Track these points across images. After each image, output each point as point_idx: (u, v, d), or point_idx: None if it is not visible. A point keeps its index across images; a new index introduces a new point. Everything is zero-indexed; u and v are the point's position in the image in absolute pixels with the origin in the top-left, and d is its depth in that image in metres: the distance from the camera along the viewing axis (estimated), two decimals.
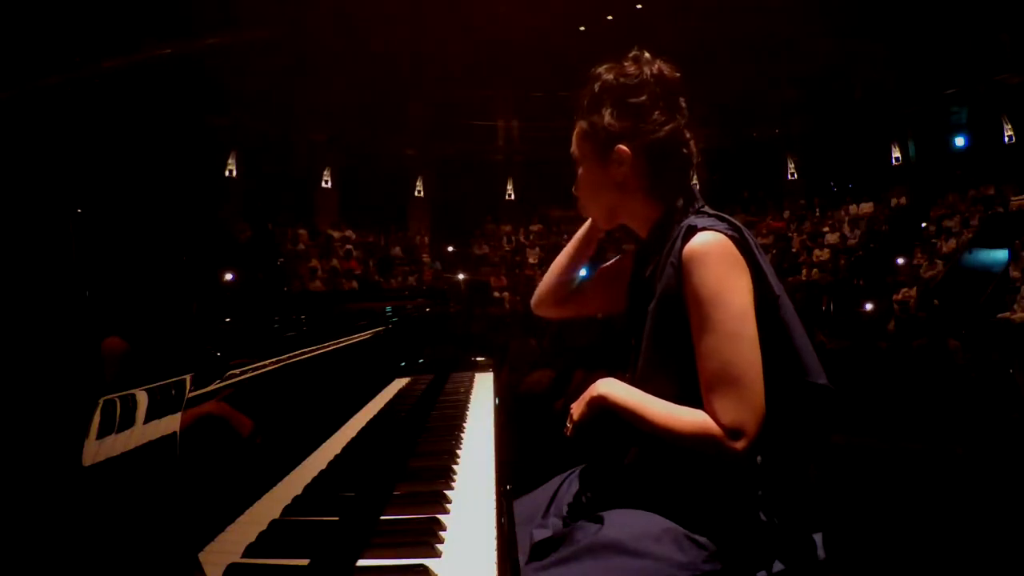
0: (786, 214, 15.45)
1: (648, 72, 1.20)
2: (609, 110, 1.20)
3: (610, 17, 14.87)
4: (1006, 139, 13.13)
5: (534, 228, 16.37)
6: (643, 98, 1.19)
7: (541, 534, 1.16)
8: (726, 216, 1.15)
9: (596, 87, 1.22)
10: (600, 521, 1.09)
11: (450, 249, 15.83)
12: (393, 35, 13.80)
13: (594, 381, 1.22)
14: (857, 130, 14.78)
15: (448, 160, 16.18)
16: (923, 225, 13.00)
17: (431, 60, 14.72)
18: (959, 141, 14.11)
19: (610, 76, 1.21)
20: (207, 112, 12.11)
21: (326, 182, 15.04)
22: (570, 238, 1.49)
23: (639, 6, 14.78)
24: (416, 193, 16.33)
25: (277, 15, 11.90)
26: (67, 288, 0.66)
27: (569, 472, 1.37)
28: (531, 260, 15.61)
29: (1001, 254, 10.22)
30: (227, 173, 13.38)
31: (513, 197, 16.80)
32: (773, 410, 1.04)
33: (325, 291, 9.40)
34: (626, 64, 1.22)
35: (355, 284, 11.71)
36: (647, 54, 1.23)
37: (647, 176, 1.21)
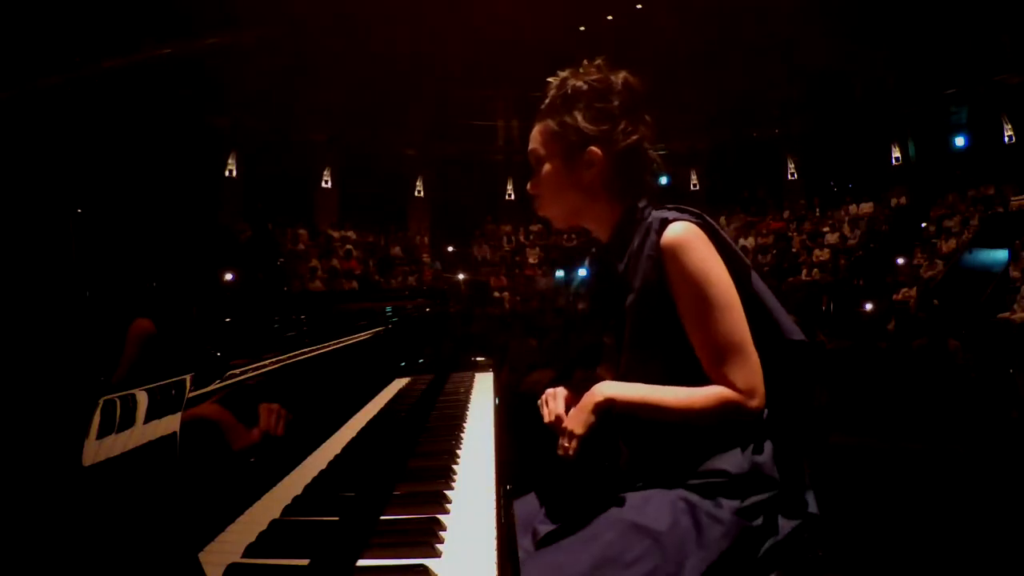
0: (786, 214, 15.45)
1: (617, 81, 1.24)
2: (581, 113, 1.23)
3: (610, 17, 14.87)
4: (1006, 139, 13.12)
5: (534, 228, 16.36)
6: (615, 104, 1.23)
7: (545, 528, 1.16)
8: (686, 207, 1.22)
9: (568, 89, 1.25)
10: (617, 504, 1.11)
11: (450, 249, 15.83)
12: (393, 35, 13.80)
13: (594, 381, 1.21)
14: (857, 130, 14.78)
15: (448, 160, 16.18)
16: (923, 225, 13.00)
17: (431, 60, 14.72)
18: (959, 141, 14.09)
19: (579, 82, 1.25)
20: (207, 112, 12.13)
21: (326, 182, 15.04)
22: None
23: (639, 6, 14.78)
24: (416, 193, 16.33)
25: (277, 15, 11.90)
26: (67, 288, 0.66)
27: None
28: (531, 260, 15.62)
29: (1001, 254, 10.22)
30: (227, 173, 13.39)
31: (513, 197, 16.78)
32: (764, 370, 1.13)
33: (325, 291, 9.40)
34: (592, 70, 1.26)
35: (355, 284, 11.71)
36: (599, 61, 1.27)
37: (614, 179, 1.24)
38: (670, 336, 1.16)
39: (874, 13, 13.43)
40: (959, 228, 12.00)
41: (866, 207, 14.38)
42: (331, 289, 10.47)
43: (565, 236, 15.92)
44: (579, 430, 1.13)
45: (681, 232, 1.15)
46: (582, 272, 14.92)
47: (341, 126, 14.56)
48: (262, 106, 12.81)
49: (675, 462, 1.15)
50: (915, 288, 10.90)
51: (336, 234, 13.66)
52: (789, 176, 15.92)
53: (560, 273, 15.15)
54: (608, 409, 1.15)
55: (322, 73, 13.41)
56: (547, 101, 1.28)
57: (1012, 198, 11.56)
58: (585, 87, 1.24)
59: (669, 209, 1.22)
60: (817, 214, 14.98)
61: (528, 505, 1.31)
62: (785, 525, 1.10)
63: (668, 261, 1.14)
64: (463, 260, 15.44)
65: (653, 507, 1.08)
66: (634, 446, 1.25)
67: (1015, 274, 9.60)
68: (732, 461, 1.12)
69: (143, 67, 9.49)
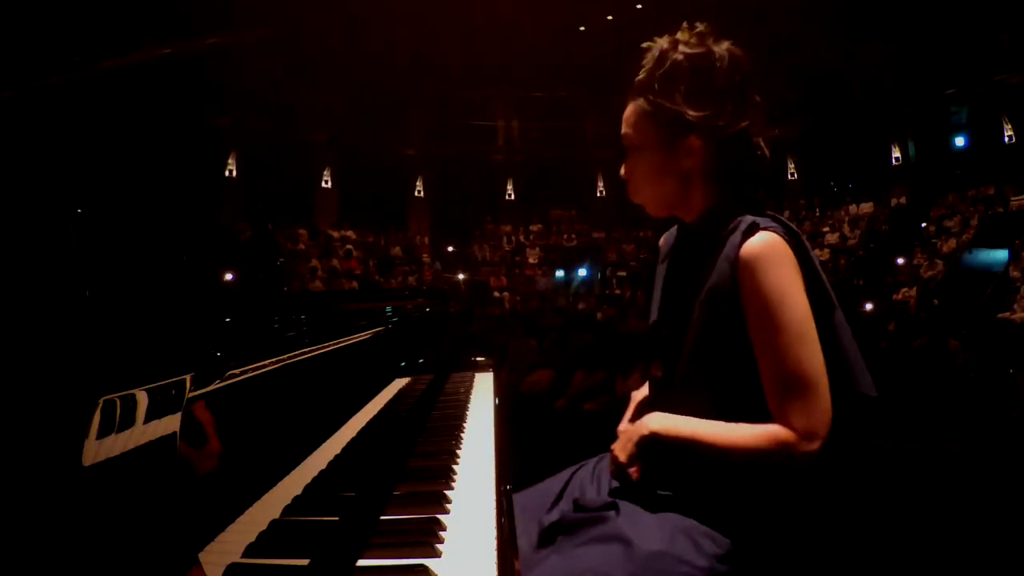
0: (786, 214, 15.39)
1: (721, 54, 1.11)
2: (681, 96, 1.10)
3: (610, 17, 14.87)
4: (1006, 139, 13.13)
5: (534, 228, 16.37)
6: (718, 84, 1.10)
7: (550, 519, 1.16)
8: (783, 219, 1.11)
9: (667, 64, 1.11)
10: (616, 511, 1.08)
11: (450, 249, 15.84)
12: (393, 35, 13.80)
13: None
14: (857, 130, 14.78)
15: (448, 160, 16.18)
16: (923, 225, 13.01)
17: (431, 60, 14.72)
18: (959, 141, 14.11)
19: (679, 55, 1.11)
20: (207, 112, 12.12)
21: (326, 182, 15.05)
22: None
23: (639, 6, 14.77)
24: (416, 193, 16.33)
25: (277, 15, 11.90)
26: (67, 288, 0.66)
27: (580, 464, 1.33)
28: (531, 260, 15.62)
29: (1001, 254, 10.23)
30: (227, 173, 13.40)
31: (513, 197, 16.79)
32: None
33: (325, 291, 9.40)
34: (693, 39, 1.12)
35: (355, 284, 11.71)
36: (701, 27, 1.13)
37: (716, 169, 1.13)
38: (731, 350, 1.06)
39: (873, 13, 13.43)
40: (959, 228, 12.00)
41: (866, 207, 14.39)
42: (331, 289, 10.47)
43: (565, 236, 15.96)
44: (621, 457, 1.13)
45: (766, 243, 1.03)
46: (582, 272, 14.95)
47: (341, 126, 14.57)
48: (262, 106, 12.82)
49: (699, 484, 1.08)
50: (915, 288, 10.90)
51: (336, 234, 13.67)
52: (789, 176, 15.92)
53: (560, 273, 15.16)
54: (652, 443, 1.10)
55: (322, 73, 13.42)
56: (642, 75, 1.14)
57: (1012, 198, 11.56)
58: (686, 63, 1.10)
59: (764, 215, 1.10)
60: (817, 214, 15.00)
61: (535, 496, 1.29)
62: None
63: (744, 272, 1.03)
64: (463, 260, 15.44)
65: (651, 526, 1.03)
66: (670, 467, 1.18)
67: (1015, 274, 9.61)
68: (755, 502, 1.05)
69: (143, 67, 9.49)
